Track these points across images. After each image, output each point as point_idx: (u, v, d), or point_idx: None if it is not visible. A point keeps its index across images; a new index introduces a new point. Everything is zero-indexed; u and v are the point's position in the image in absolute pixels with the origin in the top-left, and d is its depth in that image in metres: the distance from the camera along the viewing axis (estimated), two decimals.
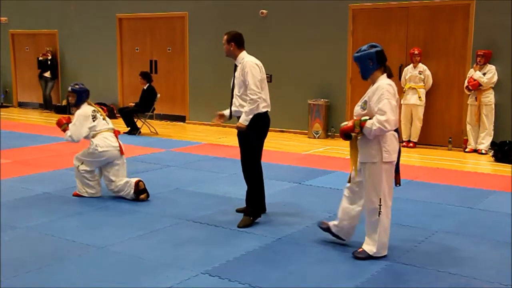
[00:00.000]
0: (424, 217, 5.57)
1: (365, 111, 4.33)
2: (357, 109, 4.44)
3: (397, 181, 4.47)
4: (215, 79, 11.90)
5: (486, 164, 8.47)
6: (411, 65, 9.77)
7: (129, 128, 11.11)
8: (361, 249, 4.40)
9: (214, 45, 11.96)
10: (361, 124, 4.24)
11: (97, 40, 13.86)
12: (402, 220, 5.41)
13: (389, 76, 4.40)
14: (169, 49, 12.92)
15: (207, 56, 12.09)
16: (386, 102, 4.18)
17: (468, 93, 9.26)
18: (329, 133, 10.79)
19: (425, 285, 3.93)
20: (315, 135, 10.74)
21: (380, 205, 4.29)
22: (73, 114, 6.34)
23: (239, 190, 6.28)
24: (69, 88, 6.28)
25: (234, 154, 8.18)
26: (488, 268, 4.22)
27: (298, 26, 11.08)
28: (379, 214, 4.29)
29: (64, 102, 14.43)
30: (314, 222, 5.25)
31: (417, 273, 4.12)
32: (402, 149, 9.83)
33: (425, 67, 9.69)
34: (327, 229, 4.73)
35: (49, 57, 14.49)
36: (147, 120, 11.35)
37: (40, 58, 14.55)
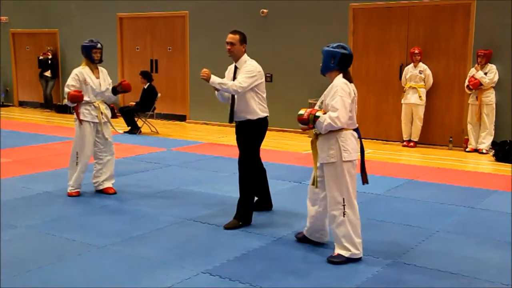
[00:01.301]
0: (425, 216, 5.57)
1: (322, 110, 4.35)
2: (316, 108, 4.45)
3: (364, 180, 4.48)
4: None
5: (487, 164, 8.47)
6: (412, 64, 9.76)
7: (129, 127, 11.11)
8: (336, 253, 4.33)
9: (214, 44, 11.96)
10: (315, 119, 4.25)
11: (97, 39, 13.83)
12: (403, 220, 5.41)
13: (349, 80, 4.37)
14: (169, 48, 12.92)
15: (208, 55, 12.09)
16: (339, 99, 4.21)
17: (469, 92, 9.25)
18: None
19: (425, 285, 3.92)
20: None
21: (344, 205, 4.28)
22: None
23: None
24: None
25: (234, 154, 8.15)
26: (489, 267, 4.22)
27: (299, 25, 11.08)
28: (344, 214, 4.27)
29: (64, 101, 14.43)
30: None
31: (418, 273, 4.12)
32: (402, 148, 9.90)
33: (425, 66, 9.68)
34: (303, 238, 4.71)
35: (50, 56, 14.49)
36: (148, 119, 11.35)
37: (41, 58, 14.55)
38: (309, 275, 4.06)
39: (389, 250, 4.56)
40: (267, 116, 5.26)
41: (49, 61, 14.46)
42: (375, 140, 10.46)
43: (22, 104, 15.91)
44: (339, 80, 4.31)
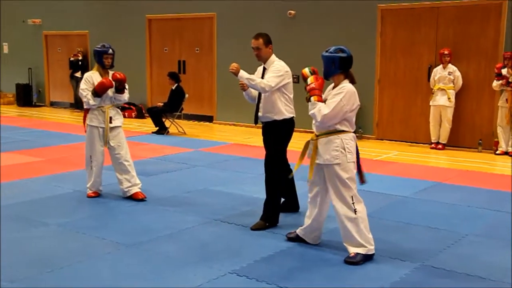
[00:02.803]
0: (453, 219, 5.51)
1: None
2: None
3: (362, 180, 4.52)
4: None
5: None
6: (441, 65, 9.66)
7: (157, 128, 11.23)
8: (353, 254, 4.33)
9: (242, 45, 12.01)
10: (313, 98, 4.36)
11: (126, 41, 14.03)
12: (431, 223, 5.36)
13: (352, 82, 4.44)
14: (197, 50, 13.02)
15: (235, 56, 12.12)
16: (338, 100, 4.26)
17: (497, 83, 9.02)
18: (357, 134, 10.72)
19: None
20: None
21: (353, 203, 4.32)
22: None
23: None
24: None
25: (261, 155, 8.16)
26: None
27: (326, 26, 11.05)
28: (355, 211, 4.31)
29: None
30: None
31: (446, 277, 4.08)
32: (430, 151, 9.81)
33: (454, 68, 9.56)
34: (296, 238, 4.76)
35: (80, 58, 14.73)
36: (175, 120, 11.46)
37: (71, 59, 14.80)
38: (335, 277, 4.06)
39: (417, 253, 4.53)
40: (293, 117, 5.28)
41: (79, 62, 14.70)
42: (402, 142, 10.37)
43: (53, 104, 16.21)
44: (349, 86, 4.37)
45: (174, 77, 11.43)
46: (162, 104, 11.47)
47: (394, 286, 3.90)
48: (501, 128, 9.21)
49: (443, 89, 9.59)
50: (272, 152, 5.23)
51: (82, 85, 6.07)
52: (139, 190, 6.13)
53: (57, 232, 5.01)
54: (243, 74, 5.03)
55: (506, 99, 9.03)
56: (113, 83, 6.02)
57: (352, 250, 4.34)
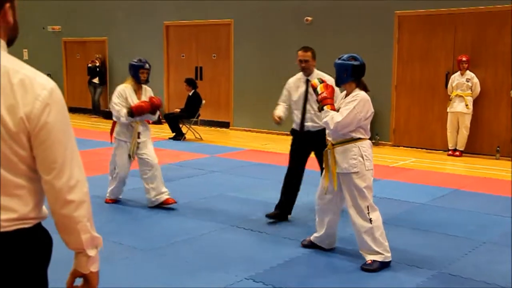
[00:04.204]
0: (471, 227, 5.47)
1: None
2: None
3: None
4: (260, 85, 11.97)
5: None
6: (458, 72, 9.60)
7: (174, 134, 11.31)
8: (370, 261, 4.32)
9: (259, 52, 12.06)
10: (326, 106, 4.35)
11: (144, 47, 14.15)
12: (449, 230, 5.33)
13: (365, 90, 4.44)
14: (214, 56, 13.09)
15: (252, 62, 12.19)
16: (352, 108, 4.25)
17: None
18: (374, 141, 10.71)
19: None
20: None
21: (368, 212, 4.31)
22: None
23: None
24: None
25: (277, 161, 8.22)
26: None
27: (343, 33, 11.05)
28: (370, 221, 4.30)
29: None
30: None
31: (464, 284, 4.06)
32: (447, 158, 9.74)
33: (472, 74, 9.50)
34: (310, 244, 4.78)
35: (97, 64, 14.89)
36: (192, 126, 11.52)
37: (89, 65, 14.97)
38: (352, 284, 4.05)
39: (434, 261, 4.51)
40: None
41: (97, 69, 14.87)
42: (419, 149, 10.32)
43: (71, 110, 16.37)
44: (363, 94, 4.36)
45: (191, 83, 11.51)
46: (179, 110, 11.55)
47: None
48: None
49: (460, 96, 9.53)
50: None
51: (115, 98, 5.98)
52: (168, 196, 6.02)
53: None
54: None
55: None
56: (148, 107, 5.97)
57: (369, 257, 4.33)
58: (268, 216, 5.49)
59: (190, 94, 11.44)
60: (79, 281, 1.92)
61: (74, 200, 1.76)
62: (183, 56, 13.71)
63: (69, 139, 1.76)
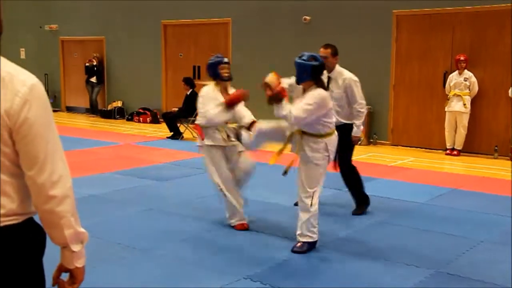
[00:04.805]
0: (469, 226, 5.46)
1: None
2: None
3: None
4: (258, 84, 11.93)
5: None
6: (456, 72, 9.60)
7: (172, 133, 11.28)
8: (300, 244, 4.61)
9: (257, 51, 12.04)
10: (282, 99, 4.50)
11: (142, 46, 14.14)
12: (447, 229, 5.33)
13: (323, 88, 4.65)
14: (212, 55, 13.03)
15: (250, 61, 12.17)
16: (312, 106, 4.41)
17: None
18: (371, 140, 10.70)
19: None
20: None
21: (312, 197, 4.56)
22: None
23: (280, 196, 6.31)
24: None
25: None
26: None
27: (342, 32, 11.03)
28: (311, 205, 4.56)
29: (109, 107, 14.78)
30: (356, 230, 5.23)
31: (462, 283, 4.05)
32: (445, 157, 9.74)
33: (470, 74, 9.50)
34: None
35: (95, 63, 14.86)
36: (190, 125, 11.50)
37: (87, 64, 14.94)
38: (350, 283, 4.04)
39: (432, 260, 4.50)
40: None
41: (95, 68, 14.84)
42: (417, 148, 10.31)
43: (69, 109, 16.35)
44: (320, 91, 4.53)
45: (189, 82, 11.49)
46: (177, 109, 11.53)
47: None
48: None
49: (458, 95, 9.53)
50: (345, 153, 5.67)
51: (202, 106, 5.30)
52: (242, 222, 5.25)
53: None
54: (357, 131, 5.67)
55: None
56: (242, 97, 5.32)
57: (302, 238, 4.61)
58: (355, 214, 5.79)
59: (188, 93, 11.41)
60: (65, 276, 1.90)
61: (56, 195, 1.74)
62: (181, 55, 13.68)
63: (51, 134, 1.77)
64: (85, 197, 6.43)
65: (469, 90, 9.52)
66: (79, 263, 1.88)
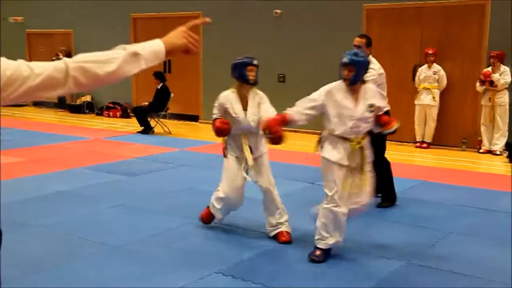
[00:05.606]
0: (438, 218, 5.54)
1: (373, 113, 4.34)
2: (362, 112, 4.26)
3: None
4: (228, 78, 11.80)
5: (500, 165, 8.40)
6: (426, 65, 9.72)
7: (142, 128, 11.17)
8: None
9: (227, 45, 11.99)
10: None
11: (111, 40, 13.76)
12: (417, 221, 5.39)
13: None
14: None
15: (221, 55, 12.10)
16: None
17: (480, 87, 9.13)
18: None
19: (439, 286, 3.91)
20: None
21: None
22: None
23: (252, 189, 6.29)
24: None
25: None
26: (503, 269, 4.19)
27: (312, 26, 11.06)
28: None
29: (78, 101, 14.55)
30: None
31: (432, 274, 4.10)
32: (415, 149, 9.84)
33: (439, 67, 9.63)
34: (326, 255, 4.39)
35: (61, 57, 14.58)
36: (161, 120, 11.40)
37: (53, 58, 14.65)
38: (321, 276, 4.06)
39: (403, 251, 4.54)
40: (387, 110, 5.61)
41: None
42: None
43: (36, 104, 16.04)
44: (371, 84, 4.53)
45: (159, 76, 11.38)
46: (147, 103, 11.41)
47: (381, 284, 3.91)
48: (484, 127, 9.29)
49: (428, 89, 9.65)
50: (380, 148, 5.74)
51: (214, 110, 4.94)
52: (284, 229, 4.84)
53: (41, 233, 4.95)
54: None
55: (489, 98, 9.11)
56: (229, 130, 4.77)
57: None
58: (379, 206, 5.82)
59: (159, 87, 11.31)
60: None
61: None
62: None
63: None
64: (54, 193, 6.32)
65: (438, 83, 9.65)
66: None
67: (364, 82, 4.35)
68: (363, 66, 4.27)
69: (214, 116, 4.89)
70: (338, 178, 4.22)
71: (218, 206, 4.96)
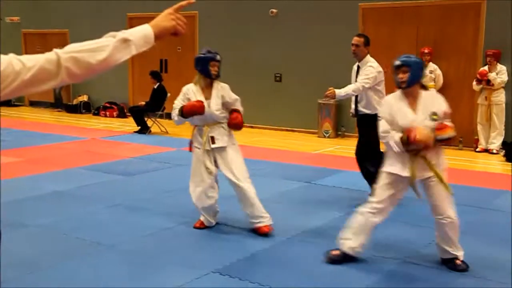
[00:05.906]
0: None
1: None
2: (423, 121, 4.11)
3: None
4: (224, 78, 11.85)
5: (497, 164, 8.43)
6: None
7: (139, 127, 11.16)
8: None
9: (223, 44, 11.95)
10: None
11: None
12: (413, 220, 5.40)
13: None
14: (179, 49, 12.95)
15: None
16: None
17: (477, 86, 9.15)
18: (339, 133, 10.78)
19: (436, 285, 3.92)
20: (325, 134, 10.73)
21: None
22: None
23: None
24: None
25: (243, 153, 8.15)
26: (500, 268, 4.20)
27: (308, 25, 11.07)
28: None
29: (75, 101, 14.52)
30: (324, 222, 5.25)
31: (428, 273, 4.11)
32: None
33: (435, 66, 9.64)
34: (343, 257, 4.27)
35: None
36: (157, 119, 11.39)
37: None
38: (318, 275, 4.06)
39: (399, 250, 4.55)
40: None
41: None
42: None
43: (32, 104, 16.02)
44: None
45: (156, 76, 11.37)
46: (144, 103, 11.40)
47: (378, 283, 3.92)
48: (480, 126, 9.31)
49: None
50: (364, 143, 5.80)
51: (177, 99, 5.23)
52: (262, 225, 4.92)
53: (37, 233, 4.94)
54: (339, 93, 5.53)
55: (486, 97, 9.13)
56: (204, 110, 4.97)
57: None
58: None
59: (155, 87, 11.30)
60: None
61: None
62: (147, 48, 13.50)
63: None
64: (50, 193, 6.32)
65: (434, 82, 9.66)
66: None
67: (424, 87, 4.20)
68: (418, 67, 4.12)
69: (180, 105, 5.05)
70: (389, 189, 4.14)
71: (199, 207, 5.05)
